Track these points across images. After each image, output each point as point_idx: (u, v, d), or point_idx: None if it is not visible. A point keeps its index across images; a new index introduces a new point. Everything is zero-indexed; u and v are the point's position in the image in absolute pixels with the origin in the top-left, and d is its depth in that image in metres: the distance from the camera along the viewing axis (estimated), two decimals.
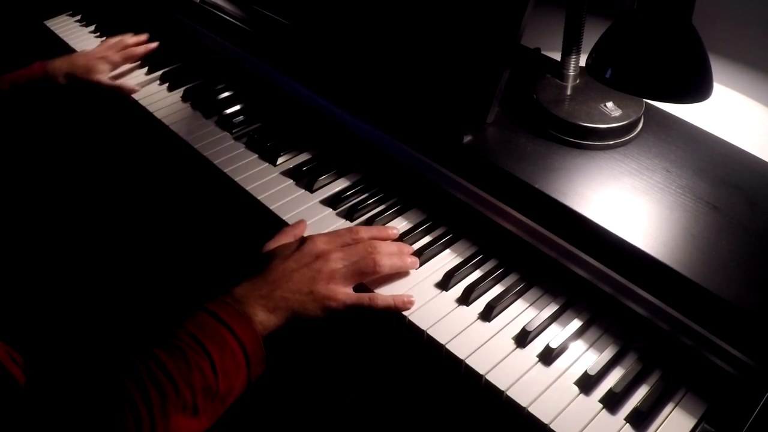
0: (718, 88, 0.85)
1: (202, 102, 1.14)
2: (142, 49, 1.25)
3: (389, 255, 0.79)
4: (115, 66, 1.22)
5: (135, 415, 0.59)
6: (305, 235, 0.85)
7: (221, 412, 0.66)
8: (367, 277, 0.78)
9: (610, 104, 0.86)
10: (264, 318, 0.70)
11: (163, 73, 1.22)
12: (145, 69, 1.25)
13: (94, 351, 1.06)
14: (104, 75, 1.20)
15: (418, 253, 0.85)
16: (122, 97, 1.19)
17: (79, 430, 0.57)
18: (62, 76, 1.17)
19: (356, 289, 0.79)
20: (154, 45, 1.27)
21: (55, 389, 0.59)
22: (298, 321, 0.73)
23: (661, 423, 0.68)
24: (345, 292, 0.76)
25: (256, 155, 1.03)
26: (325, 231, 0.89)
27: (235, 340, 0.66)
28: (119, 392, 0.59)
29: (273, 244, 0.80)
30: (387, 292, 0.80)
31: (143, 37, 1.28)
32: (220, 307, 0.68)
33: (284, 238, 0.82)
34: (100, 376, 0.60)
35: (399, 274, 0.82)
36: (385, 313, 0.77)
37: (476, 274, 0.83)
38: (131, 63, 1.25)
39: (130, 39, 1.26)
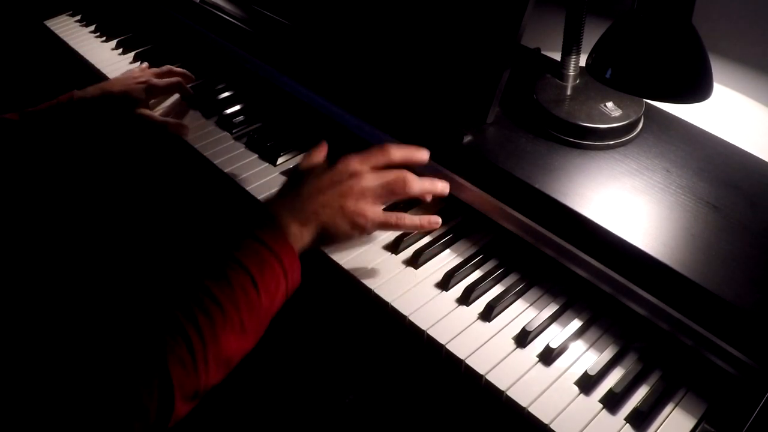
0: (718, 88, 0.85)
1: (202, 102, 1.14)
2: (183, 81, 1.13)
3: (420, 179, 0.80)
4: (156, 94, 1.10)
5: (186, 341, 0.61)
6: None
7: (266, 326, 0.69)
8: (397, 197, 0.81)
9: (610, 104, 0.86)
10: (297, 231, 0.72)
11: None
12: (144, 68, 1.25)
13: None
14: (144, 106, 1.07)
15: (417, 253, 0.85)
16: (169, 134, 1.06)
17: (132, 363, 0.59)
18: (95, 102, 1.03)
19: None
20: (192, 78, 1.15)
21: (105, 327, 0.61)
22: (328, 237, 0.76)
23: (661, 423, 0.68)
24: (374, 210, 0.77)
25: (256, 155, 1.03)
26: None
27: (272, 255, 0.69)
28: (170, 322, 0.61)
29: (305, 163, 0.81)
30: (388, 291, 0.80)
31: (183, 71, 1.16)
32: (256, 226, 0.70)
33: (315, 158, 0.83)
34: (152, 310, 0.63)
35: (401, 273, 0.83)
36: (411, 232, 0.82)
37: (476, 274, 0.83)
38: (173, 93, 1.14)
39: (177, 68, 1.15)
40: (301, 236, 0.73)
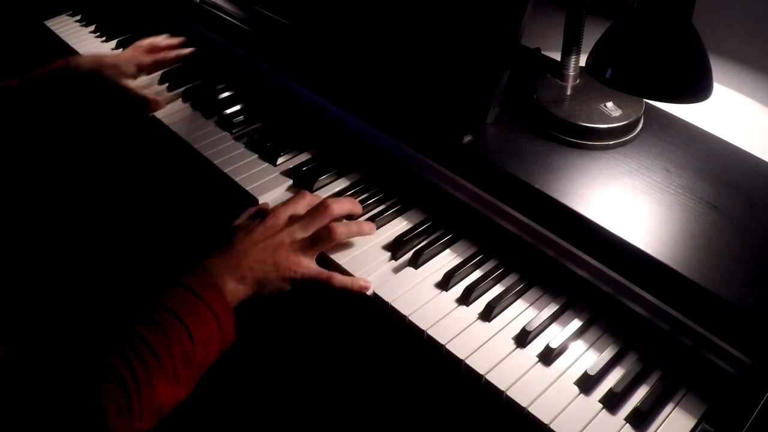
0: (718, 88, 0.85)
1: (202, 102, 1.14)
2: (173, 54, 1.20)
3: (346, 224, 0.84)
4: (146, 70, 1.17)
5: (122, 385, 0.62)
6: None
7: (197, 379, 0.71)
8: (326, 245, 0.82)
9: (610, 104, 0.86)
10: (233, 287, 0.75)
11: (163, 73, 1.22)
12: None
13: (77, 334, 1.11)
14: (131, 80, 1.14)
15: (417, 253, 0.85)
16: (144, 108, 1.13)
17: (69, 404, 0.60)
18: (86, 71, 1.10)
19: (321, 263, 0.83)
20: (187, 51, 1.21)
21: (41, 371, 0.62)
22: (262, 289, 0.78)
23: (661, 423, 0.68)
24: (306, 264, 0.80)
25: (256, 155, 1.03)
26: None
27: (208, 309, 0.71)
28: (105, 366, 0.63)
29: (240, 221, 0.84)
30: (388, 291, 0.81)
31: (177, 40, 1.22)
32: (193, 280, 0.72)
33: (247, 213, 0.86)
34: (86, 354, 0.64)
35: (401, 273, 0.83)
36: (342, 291, 0.81)
37: (476, 274, 0.83)
38: (163, 68, 1.20)
39: (163, 41, 1.20)
40: (236, 291, 0.75)
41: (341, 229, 0.83)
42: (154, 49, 1.19)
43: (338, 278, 0.81)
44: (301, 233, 0.81)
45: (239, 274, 0.75)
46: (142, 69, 1.16)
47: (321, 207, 0.84)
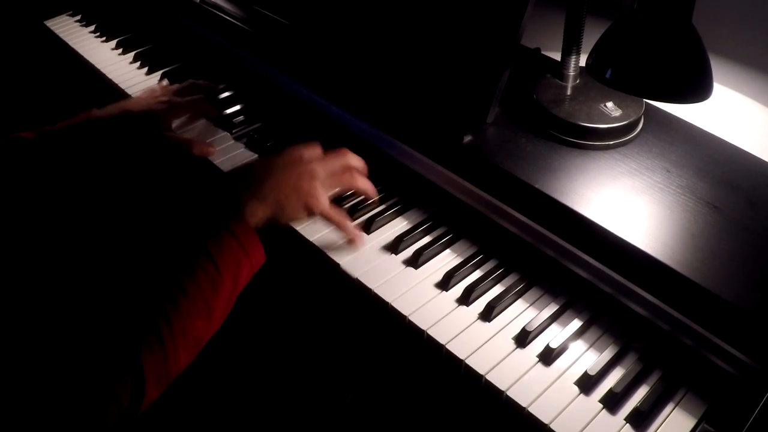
0: (718, 88, 0.84)
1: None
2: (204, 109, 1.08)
3: (363, 178, 0.88)
4: (180, 114, 1.05)
5: (155, 329, 0.64)
6: None
7: (231, 305, 0.72)
8: (344, 186, 0.87)
9: (610, 104, 0.86)
10: (253, 208, 0.75)
11: (163, 73, 1.22)
12: (146, 69, 1.25)
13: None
14: (168, 126, 1.03)
15: (418, 253, 0.85)
16: (195, 156, 1.01)
17: (107, 351, 0.61)
18: (113, 121, 0.98)
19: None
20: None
21: (74, 322, 0.65)
22: (280, 214, 0.78)
23: (661, 423, 0.68)
24: (324, 196, 0.82)
25: (256, 155, 1.03)
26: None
27: (228, 233, 0.71)
28: (138, 311, 0.64)
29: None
30: (388, 291, 0.81)
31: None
32: (214, 208, 0.74)
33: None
34: (115, 301, 0.66)
35: (401, 273, 0.83)
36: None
37: (476, 274, 0.83)
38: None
39: (199, 83, 1.09)
40: (258, 213, 0.75)
41: (361, 177, 0.87)
42: (189, 89, 1.08)
43: (349, 225, 0.85)
44: (323, 167, 0.83)
45: (261, 194, 0.76)
46: (175, 112, 1.04)
47: (340, 151, 0.87)
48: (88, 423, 0.59)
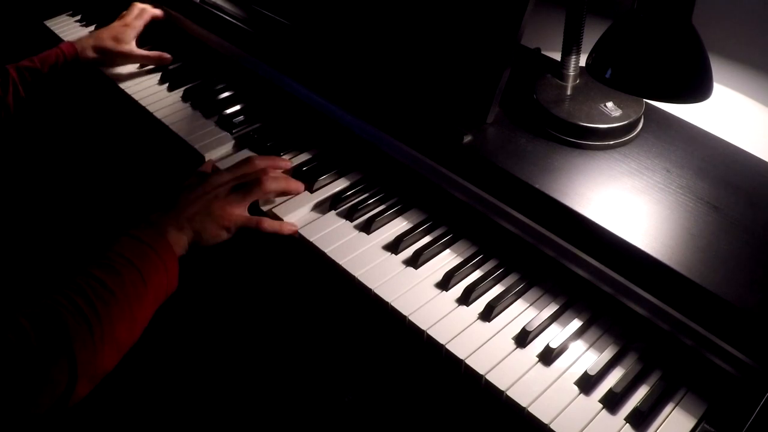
0: (718, 88, 0.85)
1: (202, 102, 1.14)
2: (152, 13, 1.27)
3: (275, 179, 0.91)
4: (138, 31, 1.24)
5: (86, 321, 0.68)
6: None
7: (149, 319, 0.77)
8: (256, 194, 0.89)
9: (610, 104, 0.86)
10: (175, 236, 0.82)
11: (163, 72, 1.22)
12: (146, 68, 1.25)
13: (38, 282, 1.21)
14: (132, 44, 1.22)
15: (417, 253, 0.85)
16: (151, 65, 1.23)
17: (39, 342, 0.65)
18: (90, 49, 1.19)
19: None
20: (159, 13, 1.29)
21: (9, 314, 0.67)
22: (201, 239, 0.84)
23: (661, 423, 0.68)
24: (238, 213, 0.87)
25: (257, 155, 1.02)
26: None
27: (156, 255, 0.78)
28: (69, 305, 0.69)
29: (188, 181, 0.91)
30: (388, 291, 0.81)
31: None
32: (140, 231, 0.80)
33: (194, 178, 0.92)
34: (50, 296, 0.70)
35: (401, 273, 0.83)
36: (272, 236, 0.89)
37: (476, 274, 0.83)
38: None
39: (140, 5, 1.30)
40: (178, 240, 0.82)
41: (269, 180, 0.90)
42: (141, 16, 1.26)
43: (267, 222, 0.88)
44: (224, 188, 0.88)
45: (179, 224, 0.83)
46: (136, 30, 1.24)
47: (247, 161, 0.92)
48: (24, 401, 0.63)
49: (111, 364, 0.71)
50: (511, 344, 0.75)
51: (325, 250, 0.86)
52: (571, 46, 0.87)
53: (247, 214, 0.88)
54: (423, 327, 0.77)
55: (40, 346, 0.65)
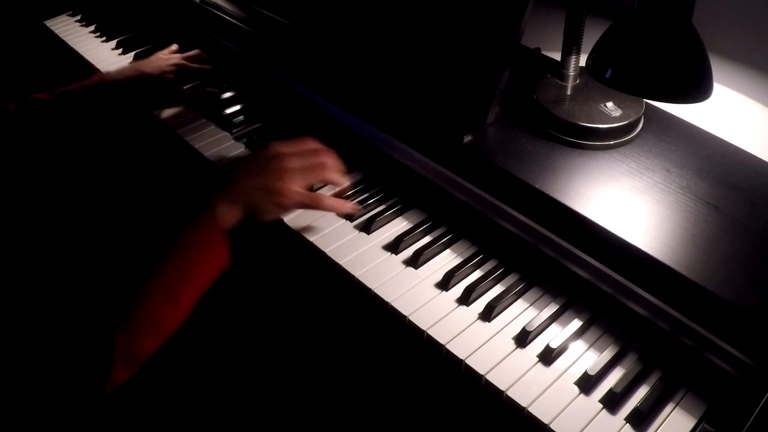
0: (718, 88, 0.85)
1: (202, 102, 1.14)
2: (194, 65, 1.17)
3: (336, 168, 0.90)
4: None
5: (128, 308, 0.67)
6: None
7: (197, 301, 0.75)
8: (318, 179, 0.88)
9: (610, 104, 0.86)
10: (226, 210, 0.78)
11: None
12: None
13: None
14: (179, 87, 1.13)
15: (418, 253, 0.85)
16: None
17: (81, 323, 0.65)
18: (125, 79, 1.07)
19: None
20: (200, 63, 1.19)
21: (53, 308, 0.67)
22: (254, 214, 0.82)
23: (661, 423, 0.68)
24: (296, 191, 0.84)
25: None
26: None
27: (200, 233, 0.75)
28: (113, 291, 0.68)
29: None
30: (388, 291, 0.80)
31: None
32: (186, 209, 0.77)
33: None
34: (97, 280, 0.69)
35: (401, 273, 0.83)
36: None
37: (476, 274, 0.83)
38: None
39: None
40: (229, 215, 0.79)
41: (331, 169, 0.88)
42: (197, 58, 1.18)
43: (327, 200, 0.87)
44: (295, 163, 0.85)
45: (233, 198, 0.79)
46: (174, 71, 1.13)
47: (307, 139, 0.89)
48: (58, 384, 0.62)
49: (151, 349, 0.69)
50: (511, 344, 0.75)
51: (325, 250, 0.86)
52: (571, 46, 0.87)
53: (304, 191, 0.85)
54: (423, 327, 0.77)
55: (73, 329, 0.63)
